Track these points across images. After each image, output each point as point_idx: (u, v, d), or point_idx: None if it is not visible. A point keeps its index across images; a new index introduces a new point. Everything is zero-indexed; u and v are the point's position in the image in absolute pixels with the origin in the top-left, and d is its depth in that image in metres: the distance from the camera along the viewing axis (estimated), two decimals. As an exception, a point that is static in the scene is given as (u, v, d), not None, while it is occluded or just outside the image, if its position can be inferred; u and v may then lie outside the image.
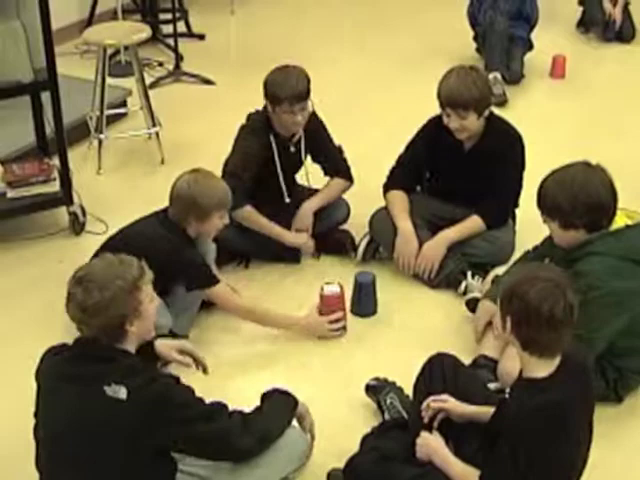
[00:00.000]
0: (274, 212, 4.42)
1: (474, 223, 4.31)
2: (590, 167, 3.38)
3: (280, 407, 3.11)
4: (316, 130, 4.51)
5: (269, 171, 4.42)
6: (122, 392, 2.65)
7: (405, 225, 4.33)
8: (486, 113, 4.18)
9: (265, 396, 3.14)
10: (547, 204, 3.38)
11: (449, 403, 3.10)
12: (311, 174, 4.69)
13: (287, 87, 4.21)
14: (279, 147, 4.40)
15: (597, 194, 3.31)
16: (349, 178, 4.61)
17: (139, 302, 2.77)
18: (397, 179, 4.48)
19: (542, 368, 2.72)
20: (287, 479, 3.10)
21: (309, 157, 4.62)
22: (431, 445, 3.02)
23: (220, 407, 2.87)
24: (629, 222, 3.46)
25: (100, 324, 2.71)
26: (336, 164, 4.60)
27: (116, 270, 2.76)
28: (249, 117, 4.46)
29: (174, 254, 3.78)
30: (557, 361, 2.73)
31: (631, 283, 3.34)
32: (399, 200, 4.42)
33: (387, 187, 4.50)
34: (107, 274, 2.73)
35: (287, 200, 4.52)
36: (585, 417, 2.79)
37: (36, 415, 2.86)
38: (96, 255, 3.93)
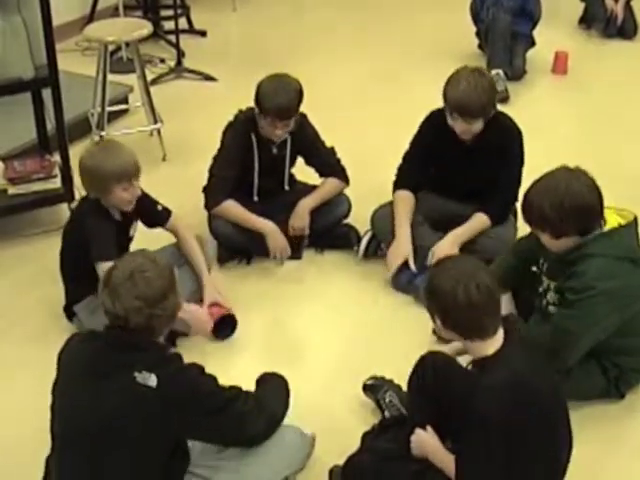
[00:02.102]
0: (244, 206, 4.42)
1: (480, 220, 4.29)
2: (570, 171, 3.33)
3: (278, 388, 3.14)
4: (304, 132, 4.49)
5: (249, 170, 4.44)
6: (152, 380, 2.64)
7: (401, 231, 4.32)
8: (491, 114, 4.18)
9: (260, 381, 3.18)
10: (534, 216, 3.35)
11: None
12: (303, 173, 4.70)
13: (275, 102, 4.18)
14: (260, 147, 4.40)
15: (582, 198, 3.26)
16: (344, 179, 4.60)
17: (179, 294, 2.84)
18: (405, 177, 4.46)
19: (489, 347, 2.78)
20: (287, 479, 3.11)
21: (302, 160, 4.62)
22: (424, 441, 3.03)
23: (238, 392, 2.89)
24: (621, 221, 3.43)
25: (159, 313, 2.71)
26: (330, 166, 4.59)
27: (160, 263, 2.78)
28: (236, 116, 4.47)
29: (90, 229, 3.74)
30: (500, 336, 2.79)
31: (625, 282, 3.33)
32: (404, 203, 4.39)
33: (396, 186, 4.48)
34: (153, 269, 2.74)
35: (255, 199, 4.52)
36: (548, 385, 2.82)
37: (53, 406, 2.82)
38: (62, 251, 3.96)
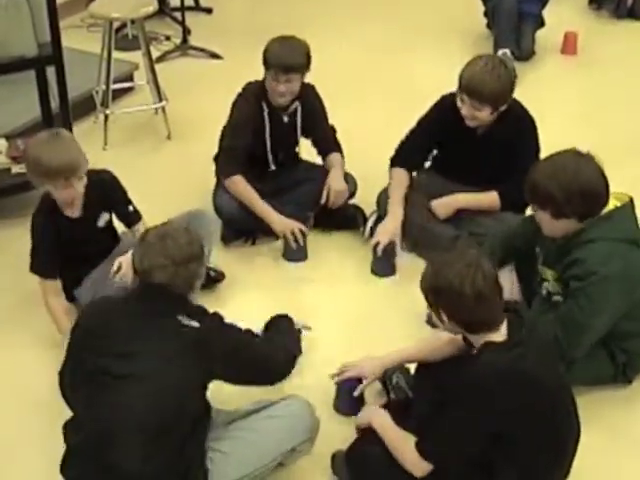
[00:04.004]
0: (258, 179, 4.41)
1: (490, 198, 4.27)
2: (580, 155, 3.32)
3: (287, 327, 3.51)
4: (313, 103, 4.51)
5: (261, 139, 4.42)
6: (195, 323, 2.85)
7: (394, 211, 4.31)
8: (502, 108, 4.11)
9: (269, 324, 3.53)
10: (539, 194, 3.31)
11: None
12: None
13: (278, 56, 4.23)
14: (271, 115, 4.40)
15: (590, 182, 3.25)
16: (342, 156, 4.62)
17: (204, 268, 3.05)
18: (404, 155, 4.44)
19: (495, 336, 2.78)
20: (295, 450, 3.09)
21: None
22: (372, 412, 3.13)
23: (253, 335, 3.21)
24: (617, 203, 3.40)
25: (182, 274, 2.88)
26: (329, 143, 4.61)
27: (192, 233, 2.97)
28: (245, 87, 4.46)
29: (32, 239, 3.83)
30: (504, 328, 2.79)
31: (627, 263, 3.31)
32: (399, 183, 4.39)
33: (393, 162, 4.46)
34: (186, 237, 2.92)
35: (272, 168, 4.51)
36: (553, 377, 2.83)
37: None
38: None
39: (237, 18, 7.50)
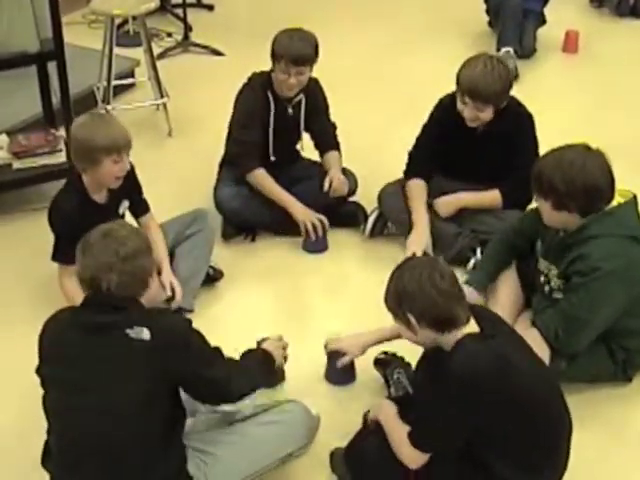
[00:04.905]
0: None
1: (492, 197, 4.27)
2: (589, 150, 3.33)
3: (262, 361, 3.15)
4: (316, 96, 4.52)
5: (264, 129, 4.42)
6: (145, 333, 2.66)
7: (420, 222, 4.29)
8: (502, 106, 4.13)
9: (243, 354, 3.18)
10: (542, 184, 3.33)
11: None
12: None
13: (288, 47, 4.21)
14: (277, 106, 4.39)
15: (595, 179, 3.26)
16: (340, 153, 4.62)
17: (154, 262, 2.86)
18: (417, 165, 4.42)
19: (469, 329, 2.80)
20: (292, 455, 3.09)
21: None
22: (382, 405, 3.11)
23: (221, 352, 2.91)
24: (621, 200, 3.41)
25: (130, 270, 2.73)
26: (329, 138, 4.61)
27: (134, 227, 2.89)
28: (250, 78, 4.46)
29: (54, 215, 3.80)
30: (474, 324, 2.81)
31: (629, 260, 3.31)
32: (418, 193, 4.36)
33: (408, 174, 4.44)
34: (129, 231, 2.82)
35: (272, 158, 4.49)
36: (532, 368, 2.85)
37: (38, 371, 2.83)
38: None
39: (239, 15, 7.51)
